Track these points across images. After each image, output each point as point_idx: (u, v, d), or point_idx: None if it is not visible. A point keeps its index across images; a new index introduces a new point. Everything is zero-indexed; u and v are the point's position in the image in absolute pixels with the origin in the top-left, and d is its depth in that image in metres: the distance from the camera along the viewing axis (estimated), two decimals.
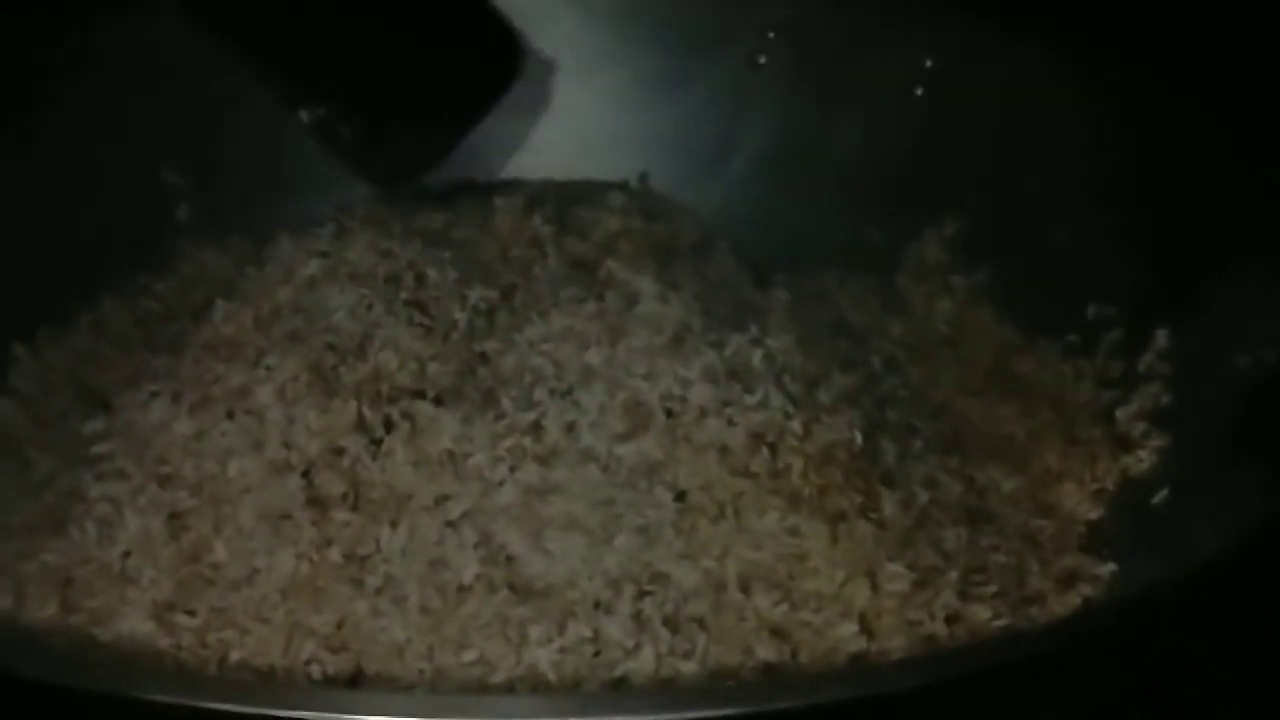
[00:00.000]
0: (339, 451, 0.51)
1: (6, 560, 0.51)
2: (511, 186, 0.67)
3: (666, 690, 0.45)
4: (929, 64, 0.71)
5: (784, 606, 0.49)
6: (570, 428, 0.52)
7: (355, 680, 0.47)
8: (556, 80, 0.75)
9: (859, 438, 0.52)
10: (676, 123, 0.74)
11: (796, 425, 0.51)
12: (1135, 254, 0.62)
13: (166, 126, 0.68)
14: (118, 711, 0.36)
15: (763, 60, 0.74)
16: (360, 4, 0.62)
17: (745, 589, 0.49)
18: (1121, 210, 0.63)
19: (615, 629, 0.47)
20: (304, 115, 0.61)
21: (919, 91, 0.71)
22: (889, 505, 0.51)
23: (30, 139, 0.65)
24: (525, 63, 0.68)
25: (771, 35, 0.74)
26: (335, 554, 0.49)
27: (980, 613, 0.50)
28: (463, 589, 0.48)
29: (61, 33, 0.67)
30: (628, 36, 0.74)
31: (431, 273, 0.57)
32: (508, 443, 0.51)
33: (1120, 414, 0.59)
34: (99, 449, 0.54)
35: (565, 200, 0.65)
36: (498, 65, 0.66)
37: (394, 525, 0.50)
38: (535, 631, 0.47)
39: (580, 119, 0.73)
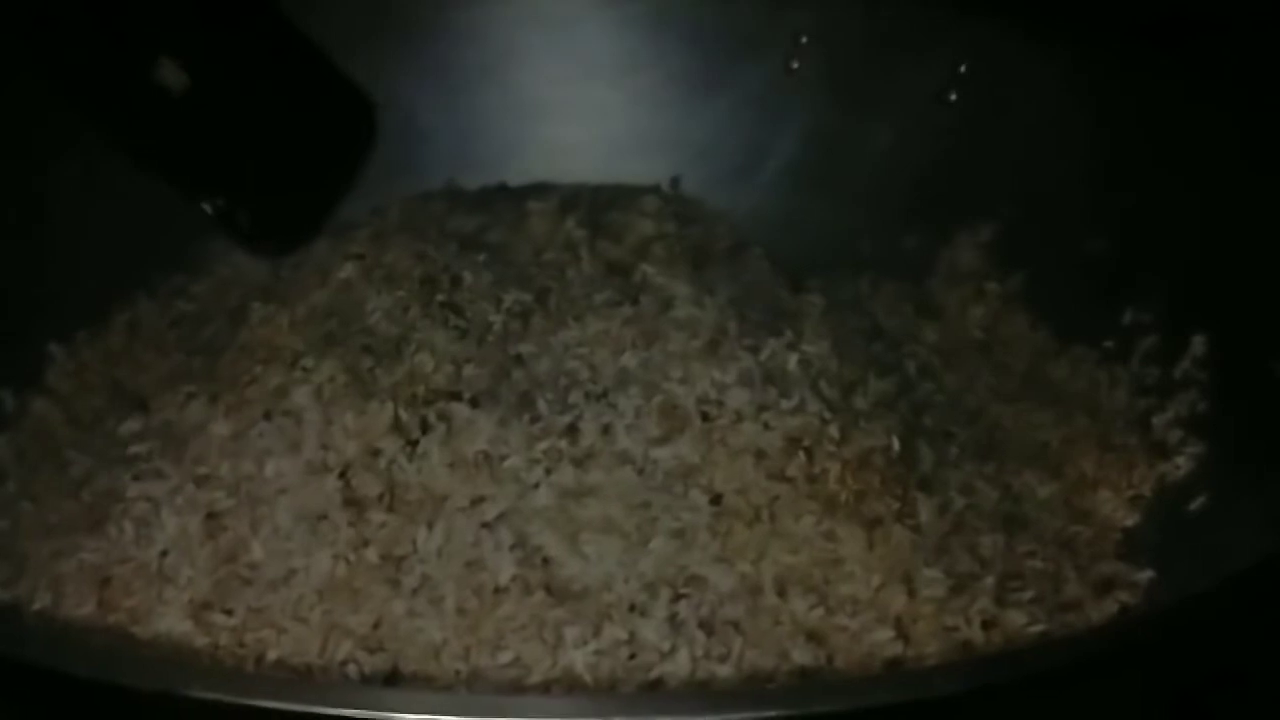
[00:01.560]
0: (375, 453, 0.51)
1: (45, 559, 0.52)
2: (545, 190, 0.67)
3: (710, 693, 0.45)
4: (963, 69, 0.71)
5: (820, 611, 0.48)
6: (606, 430, 0.52)
7: (391, 680, 0.47)
8: (589, 84, 0.75)
9: (896, 443, 0.52)
10: (709, 127, 0.74)
11: (833, 430, 0.51)
12: (1171, 260, 0.61)
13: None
14: (165, 709, 0.36)
15: (796, 65, 0.74)
16: (232, 96, 0.65)
17: (781, 593, 0.49)
18: (1157, 216, 0.63)
19: (651, 632, 0.47)
20: (206, 206, 0.64)
21: (953, 97, 0.71)
22: (925, 511, 0.51)
23: (67, 141, 0.66)
24: (378, 130, 0.69)
25: (804, 40, 0.74)
26: (372, 554, 0.49)
27: (1017, 619, 0.50)
28: (499, 590, 0.48)
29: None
30: (661, 40, 0.75)
31: (467, 275, 0.58)
32: (543, 445, 0.51)
33: (1156, 421, 0.59)
34: (136, 449, 0.54)
35: (599, 204, 0.65)
36: (356, 132, 0.68)
37: (430, 526, 0.50)
38: (571, 633, 0.47)
39: (613, 123, 0.73)
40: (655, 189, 0.69)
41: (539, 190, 0.67)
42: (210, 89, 0.64)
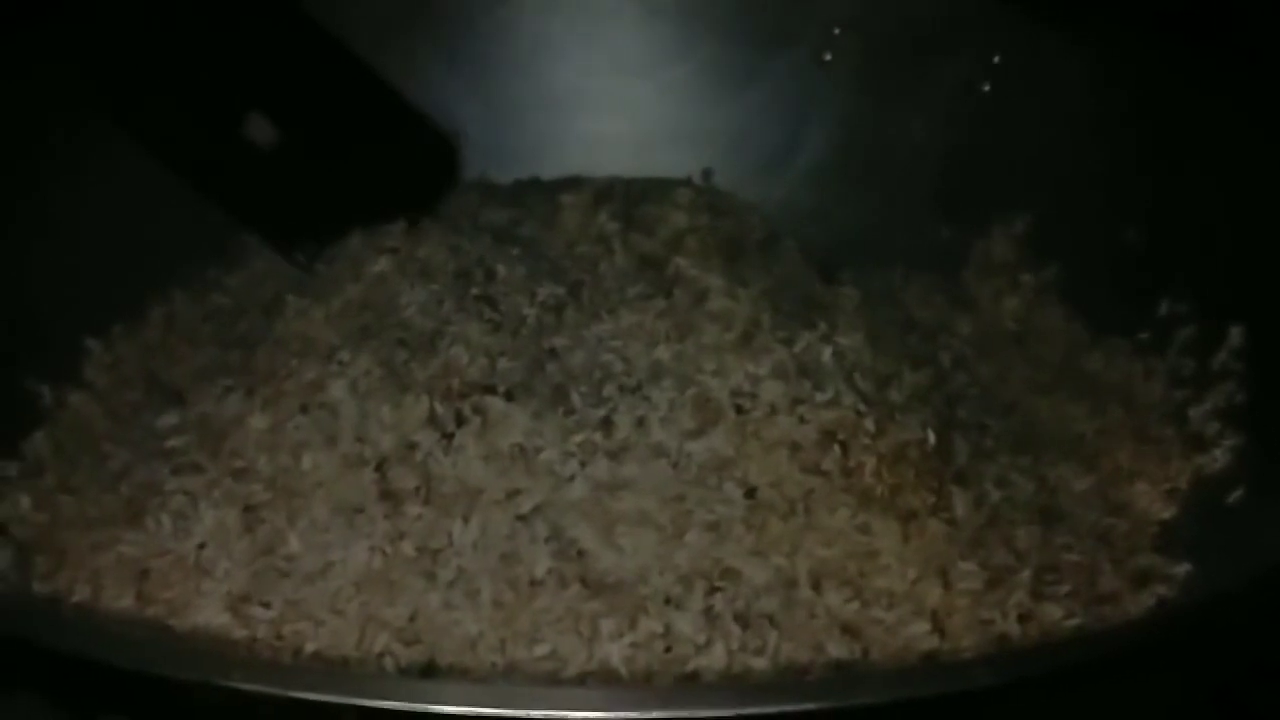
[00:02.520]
0: (411, 446, 0.51)
1: (84, 552, 0.52)
2: (577, 183, 0.67)
3: (745, 685, 0.45)
4: (996, 60, 0.71)
5: (855, 604, 0.48)
6: (640, 423, 0.52)
7: (428, 672, 0.47)
8: (621, 77, 0.75)
9: (931, 437, 0.51)
10: (741, 119, 0.74)
11: (869, 423, 0.51)
12: (1208, 250, 0.61)
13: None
14: (205, 700, 0.37)
15: (828, 57, 0.74)
16: (318, 146, 0.67)
17: (816, 586, 0.49)
18: (1192, 206, 0.62)
19: (686, 625, 0.47)
20: (299, 258, 0.65)
21: (985, 88, 0.71)
22: (961, 504, 0.51)
23: (104, 137, 0.66)
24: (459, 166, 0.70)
25: (837, 31, 0.73)
26: (408, 547, 0.49)
27: (1053, 612, 0.50)
28: (534, 583, 0.48)
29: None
30: (692, 33, 0.75)
31: (501, 269, 0.58)
32: (578, 438, 0.51)
33: (1193, 413, 0.59)
34: (174, 443, 0.54)
35: (631, 197, 0.65)
36: (438, 170, 0.69)
37: (466, 519, 0.50)
38: (606, 626, 0.47)
39: (644, 115, 0.73)
40: (687, 181, 0.69)
41: (572, 183, 0.67)
42: (297, 139, 0.66)
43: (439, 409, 0.52)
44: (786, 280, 0.60)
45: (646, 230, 0.62)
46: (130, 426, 0.59)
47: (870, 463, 0.50)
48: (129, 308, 0.65)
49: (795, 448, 0.51)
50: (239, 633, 0.49)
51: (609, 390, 0.53)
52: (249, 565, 0.50)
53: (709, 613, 0.48)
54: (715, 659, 0.47)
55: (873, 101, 0.72)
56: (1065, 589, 0.51)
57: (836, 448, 0.50)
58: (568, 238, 0.62)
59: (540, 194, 0.66)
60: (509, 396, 0.52)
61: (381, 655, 0.48)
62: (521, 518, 0.50)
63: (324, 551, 0.49)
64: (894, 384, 0.53)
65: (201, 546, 0.51)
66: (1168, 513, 0.56)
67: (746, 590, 0.48)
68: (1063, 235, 0.67)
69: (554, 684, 0.46)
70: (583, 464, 0.51)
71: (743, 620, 0.48)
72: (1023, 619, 0.49)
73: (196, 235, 0.68)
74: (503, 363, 0.54)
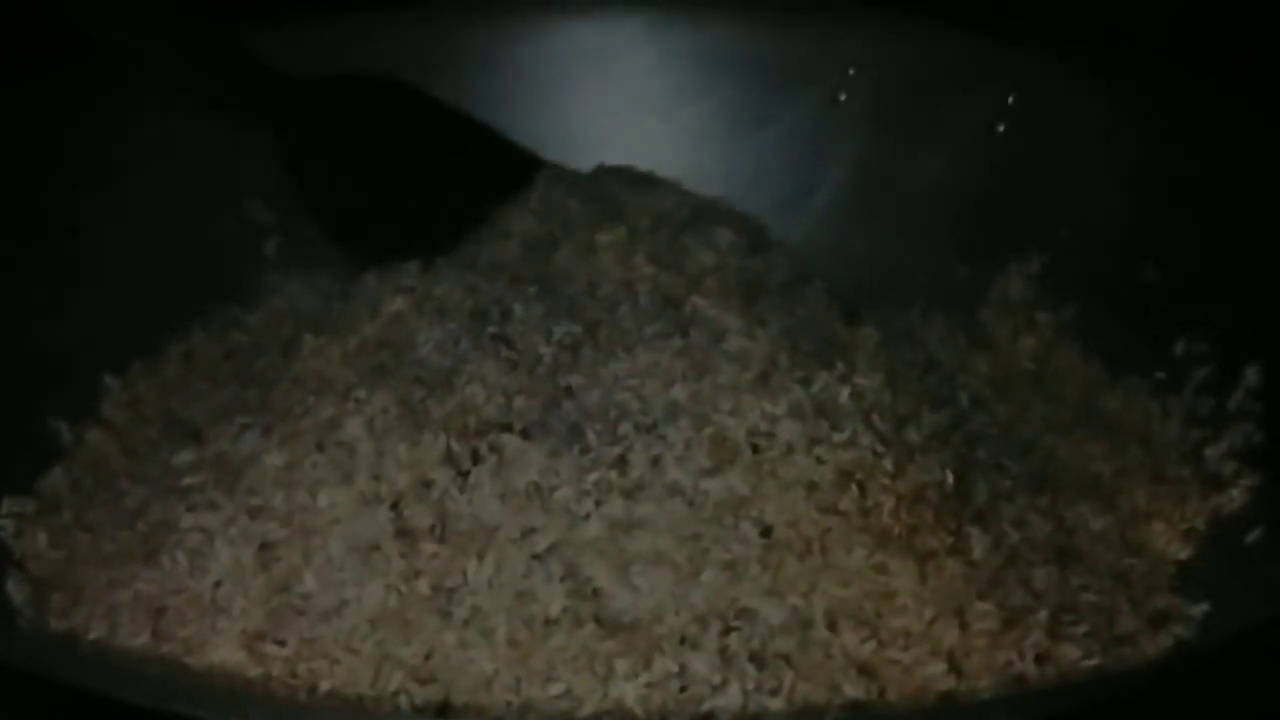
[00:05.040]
0: (428, 484, 0.51)
1: (101, 589, 0.52)
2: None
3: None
4: (1011, 100, 0.71)
5: (871, 644, 0.48)
6: (655, 462, 0.52)
7: (443, 712, 0.47)
8: (637, 116, 0.75)
9: (950, 478, 0.51)
10: (757, 159, 0.74)
11: (887, 464, 0.51)
12: (1225, 290, 0.61)
13: (255, 163, 0.70)
14: None
15: (843, 97, 0.74)
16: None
17: (832, 626, 0.48)
18: (1209, 245, 0.62)
19: (702, 664, 0.47)
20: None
21: (1001, 128, 0.71)
22: (979, 545, 0.50)
23: (122, 174, 0.67)
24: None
25: (852, 72, 0.74)
26: (423, 585, 0.49)
27: (1071, 652, 0.50)
28: (549, 622, 0.48)
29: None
30: (709, 73, 0.75)
31: (517, 308, 0.58)
32: (593, 476, 0.51)
33: (1210, 452, 0.58)
34: (190, 480, 0.54)
35: (673, 231, 0.65)
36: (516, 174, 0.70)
37: (481, 557, 0.50)
38: (622, 666, 0.47)
39: (660, 154, 0.73)
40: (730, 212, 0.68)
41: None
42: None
43: (455, 447, 0.52)
44: (807, 321, 0.60)
45: (676, 269, 0.62)
46: (148, 464, 0.59)
47: (889, 503, 0.50)
48: (148, 345, 0.65)
49: (812, 487, 0.50)
50: (254, 670, 0.49)
51: (624, 429, 0.53)
52: (264, 603, 0.50)
53: (724, 652, 0.47)
54: (731, 699, 0.47)
55: (889, 142, 0.73)
56: (1083, 629, 0.51)
57: (854, 487, 0.50)
58: (589, 276, 0.62)
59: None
60: (525, 435, 0.52)
61: (396, 694, 0.48)
62: (537, 556, 0.50)
63: (339, 589, 0.49)
64: (912, 424, 0.53)
65: (218, 584, 0.51)
66: (1185, 553, 0.56)
67: (762, 630, 0.48)
68: (1080, 274, 0.67)
69: None
70: (598, 503, 0.50)
71: (758, 660, 0.47)
72: (1040, 659, 0.49)
73: (216, 273, 0.69)
74: (519, 401, 0.54)
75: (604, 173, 0.71)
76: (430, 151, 0.70)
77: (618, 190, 0.68)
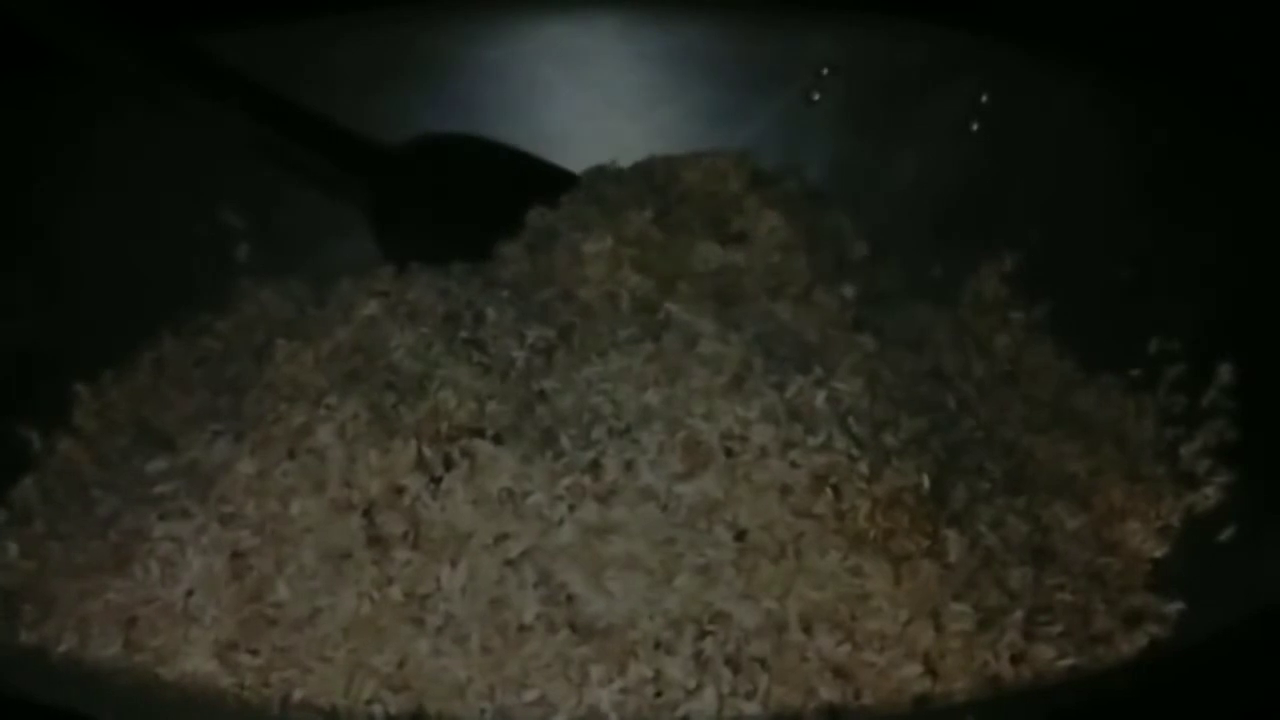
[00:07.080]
0: (400, 490, 0.51)
1: (73, 599, 0.52)
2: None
3: None
4: (984, 99, 0.71)
5: (846, 647, 0.48)
6: (629, 466, 0.51)
7: (417, 719, 0.47)
8: (611, 118, 0.75)
9: (926, 481, 0.51)
10: None
11: (863, 467, 0.50)
12: (1198, 288, 0.61)
13: (227, 167, 0.69)
14: None
15: (816, 97, 0.74)
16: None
17: (807, 629, 0.48)
18: (1182, 243, 0.62)
19: (676, 669, 0.47)
20: None
21: (974, 126, 0.71)
22: (955, 547, 0.50)
23: (92, 179, 0.66)
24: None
25: (825, 72, 0.74)
26: (396, 593, 0.49)
27: (1046, 652, 0.49)
28: (523, 628, 0.48)
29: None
30: (682, 73, 0.75)
31: (490, 312, 0.58)
32: (567, 481, 0.51)
33: (1184, 450, 0.59)
34: (162, 488, 0.54)
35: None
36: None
37: (454, 564, 0.49)
38: (596, 671, 0.47)
39: (635, 156, 0.73)
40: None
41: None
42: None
43: (427, 453, 0.52)
44: (784, 325, 0.59)
45: (650, 273, 0.62)
46: (119, 472, 0.59)
47: (864, 506, 0.50)
48: (119, 353, 0.65)
49: (786, 491, 0.50)
50: (226, 680, 0.48)
51: (598, 433, 0.52)
52: (236, 612, 0.49)
53: (699, 657, 0.47)
54: (706, 703, 0.46)
55: (862, 141, 0.73)
56: (1058, 629, 0.51)
57: (829, 491, 0.50)
58: (564, 280, 0.62)
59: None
60: (498, 440, 0.52)
61: (370, 702, 0.47)
62: (510, 562, 0.49)
63: (312, 598, 0.49)
64: (890, 428, 0.53)
65: (189, 593, 0.50)
66: (1160, 551, 0.56)
67: (737, 634, 0.48)
68: (1053, 273, 0.67)
69: None
70: (571, 508, 0.50)
71: (733, 664, 0.47)
72: (1015, 660, 0.49)
73: (187, 280, 0.69)
74: (491, 406, 0.53)
75: (586, 175, 0.71)
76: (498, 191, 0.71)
77: (597, 193, 0.68)
